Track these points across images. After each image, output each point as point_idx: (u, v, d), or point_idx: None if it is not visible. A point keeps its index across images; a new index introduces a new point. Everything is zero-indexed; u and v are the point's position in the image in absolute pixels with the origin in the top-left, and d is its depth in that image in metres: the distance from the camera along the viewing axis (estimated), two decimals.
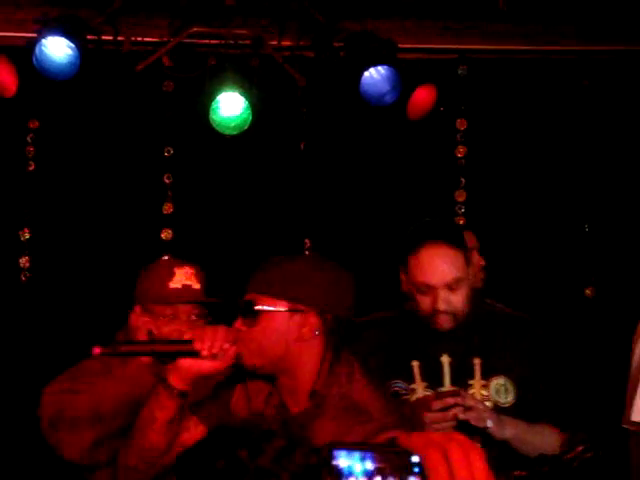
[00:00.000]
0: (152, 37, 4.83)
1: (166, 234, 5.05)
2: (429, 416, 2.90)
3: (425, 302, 3.03)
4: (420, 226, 3.15)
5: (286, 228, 5.09)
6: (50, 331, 4.78)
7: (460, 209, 5.12)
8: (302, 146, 5.13)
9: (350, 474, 1.10)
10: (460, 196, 5.12)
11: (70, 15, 4.53)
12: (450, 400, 2.91)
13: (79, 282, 4.89)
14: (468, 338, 3.11)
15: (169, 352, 2.57)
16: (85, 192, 4.98)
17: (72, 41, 4.45)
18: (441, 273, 2.98)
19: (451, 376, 3.08)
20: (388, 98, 4.66)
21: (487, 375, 3.07)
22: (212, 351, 2.52)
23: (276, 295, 2.58)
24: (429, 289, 3.00)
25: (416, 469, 1.11)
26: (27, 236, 4.93)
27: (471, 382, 3.08)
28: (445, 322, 3.04)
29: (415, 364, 3.11)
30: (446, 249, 2.99)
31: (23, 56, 4.53)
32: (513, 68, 5.13)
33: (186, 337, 2.57)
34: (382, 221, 5.09)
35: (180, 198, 5.08)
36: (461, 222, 5.05)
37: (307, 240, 5.11)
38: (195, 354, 2.52)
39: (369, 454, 1.11)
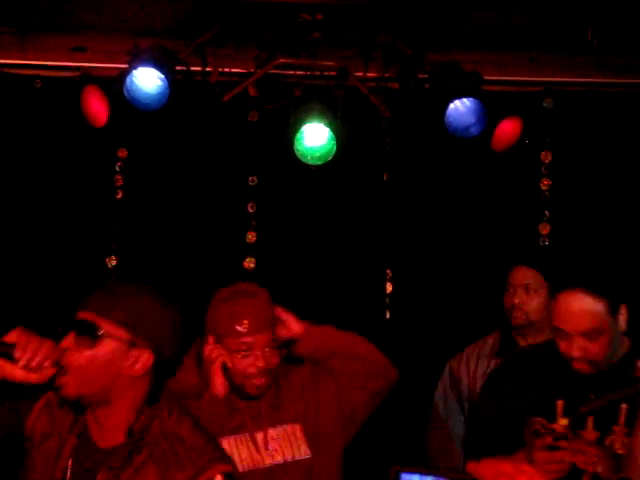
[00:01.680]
0: (239, 68, 4.90)
1: (249, 263, 5.09)
2: (536, 454, 2.85)
3: (561, 346, 2.96)
4: (566, 268, 3.05)
5: (368, 258, 5.10)
6: None
7: (544, 242, 5.07)
8: (385, 177, 5.15)
9: None
10: (544, 229, 5.08)
11: (160, 47, 4.61)
12: (553, 441, 2.85)
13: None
14: (617, 382, 3.00)
15: None
16: (171, 220, 5.05)
17: (162, 72, 4.54)
18: (576, 321, 2.87)
19: (594, 420, 2.99)
20: (473, 130, 4.65)
21: (631, 422, 2.97)
22: (31, 364, 2.39)
23: (119, 322, 2.44)
24: (565, 334, 2.93)
25: None
26: (114, 263, 5.02)
27: (615, 428, 2.98)
28: (582, 368, 2.96)
29: (559, 403, 3.02)
30: (585, 297, 2.92)
31: (113, 87, 4.62)
32: (599, 101, 5.09)
33: (10, 339, 2.41)
34: (465, 253, 5.07)
35: (263, 227, 5.12)
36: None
37: (389, 270, 5.11)
38: (12, 359, 2.39)
39: (432, 477, 1.11)
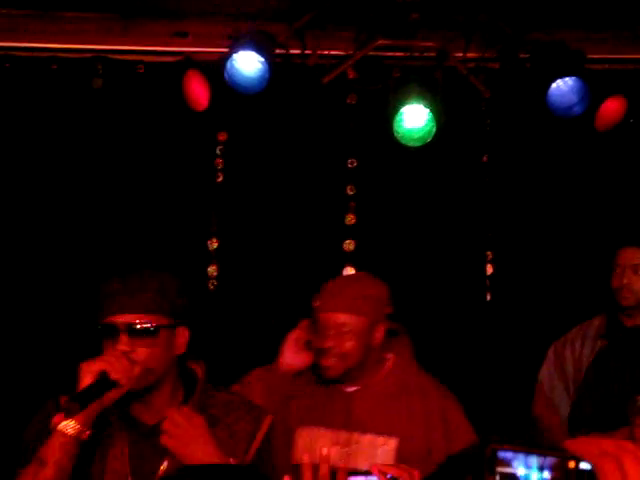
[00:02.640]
0: (338, 50, 4.88)
1: (348, 245, 5.10)
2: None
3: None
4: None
5: (468, 240, 5.07)
6: (236, 337, 4.90)
7: None
8: (485, 158, 5.10)
9: None
10: None
11: (260, 30, 4.64)
12: None
13: (264, 291, 4.99)
14: None
15: (95, 393, 2.48)
16: (271, 203, 5.09)
17: (262, 55, 4.56)
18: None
19: None
20: (576, 110, 4.57)
21: None
22: (129, 379, 2.54)
23: (158, 312, 2.64)
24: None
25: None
26: (215, 245, 5.07)
27: None
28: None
29: None
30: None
31: (214, 71, 4.67)
32: None
33: (86, 379, 2.48)
34: (568, 234, 4.99)
35: (363, 209, 5.12)
36: None
37: (489, 252, 5.07)
38: (110, 387, 2.50)
39: (536, 457, 1.08)
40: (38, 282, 4.86)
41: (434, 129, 4.70)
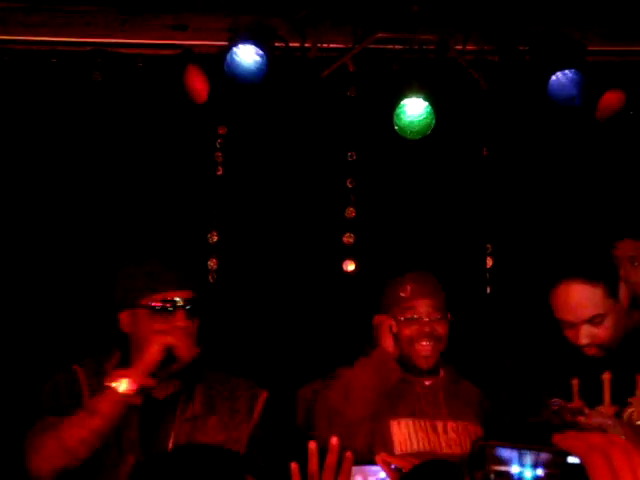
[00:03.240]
0: (337, 43, 4.89)
1: (348, 238, 5.10)
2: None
3: (569, 336, 2.97)
4: (558, 261, 3.09)
5: (468, 233, 5.07)
6: (236, 330, 4.90)
7: None
8: (485, 151, 5.10)
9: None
10: None
11: (259, 23, 4.63)
12: (572, 418, 2.84)
13: (264, 284, 5.00)
14: (632, 354, 3.01)
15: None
16: (270, 196, 5.08)
17: (261, 48, 4.56)
18: (577, 311, 2.97)
19: (611, 394, 2.99)
20: (575, 102, 4.57)
21: None
22: (191, 354, 2.80)
23: (192, 288, 2.88)
24: (570, 324, 2.94)
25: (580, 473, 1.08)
26: (215, 239, 5.07)
27: (631, 400, 2.98)
28: (594, 353, 2.98)
29: (575, 382, 3.03)
30: (582, 286, 2.87)
31: (214, 64, 4.67)
32: None
33: (155, 353, 2.72)
34: (567, 226, 4.99)
35: (362, 202, 5.12)
36: None
37: (489, 245, 5.07)
38: (172, 361, 2.77)
39: (529, 454, 1.08)
40: (38, 274, 4.86)
41: (434, 122, 4.70)
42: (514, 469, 1.11)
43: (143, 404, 2.79)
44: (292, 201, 5.10)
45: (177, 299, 2.77)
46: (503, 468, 1.11)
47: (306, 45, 4.83)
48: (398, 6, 4.69)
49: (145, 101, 5.01)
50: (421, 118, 4.73)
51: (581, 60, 4.55)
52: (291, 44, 4.82)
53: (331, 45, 4.90)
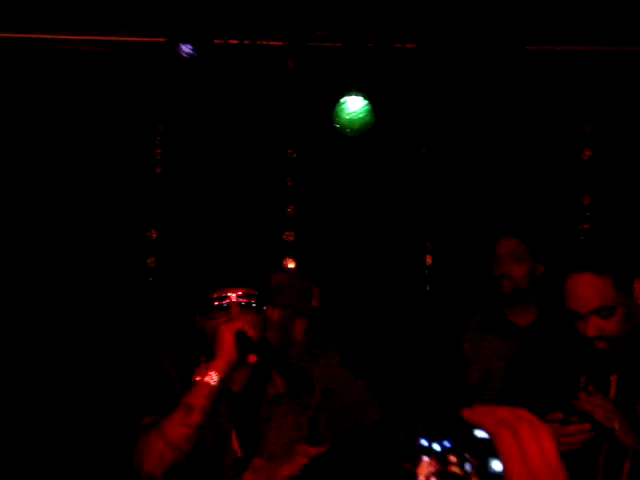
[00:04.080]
0: (277, 41, 4.88)
1: (288, 236, 5.10)
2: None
3: (579, 327, 3.01)
4: (571, 253, 3.12)
5: (408, 231, 5.08)
6: (172, 328, 4.87)
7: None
8: (424, 149, 5.12)
9: (429, 451, 1.08)
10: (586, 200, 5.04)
11: (198, 20, 4.61)
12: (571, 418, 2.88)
13: (203, 282, 4.96)
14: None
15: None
16: (211, 194, 5.06)
17: (200, 44, 4.56)
18: (585, 302, 2.95)
19: (616, 396, 3.02)
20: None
21: None
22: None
23: None
24: (579, 315, 2.98)
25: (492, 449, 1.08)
26: (154, 236, 5.04)
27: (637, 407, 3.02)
28: (604, 347, 3.01)
29: (582, 379, 3.05)
30: (590, 277, 2.95)
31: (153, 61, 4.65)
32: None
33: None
34: (505, 224, 5.03)
35: (302, 200, 5.12)
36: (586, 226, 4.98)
37: (428, 243, 5.09)
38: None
39: (437, 427, 1.09)
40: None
41: (373, 120, 4.71)
42: (422, 441, 1.11)
43: (227, 393, 2.99)
44: (232, 199, 5.08)
45: (230, 294, 2.96)
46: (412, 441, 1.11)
47: (246, 42, 4.80)
48: (338, 4, 4.68)
49: (84, 99, 4.96)
50: (361, 116, 4.74)
51: (518, 56, 4.59)
52: (231, 41, 4.80)
53: (271, 42, 4.88)
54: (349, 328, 4.66)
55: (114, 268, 4.96)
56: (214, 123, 5.04)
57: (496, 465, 1.08)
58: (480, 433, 1.10)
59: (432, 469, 1.09)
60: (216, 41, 4.72)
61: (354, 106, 4.73)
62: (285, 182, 5.11)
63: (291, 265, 5.01)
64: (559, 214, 5.00)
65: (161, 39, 4.60)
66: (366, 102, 4.69)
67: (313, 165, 5.11)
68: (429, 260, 5.09)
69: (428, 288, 5.06)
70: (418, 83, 4.91)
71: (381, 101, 4.75)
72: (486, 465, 1.09)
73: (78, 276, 4.91)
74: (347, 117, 4.75)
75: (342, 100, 4.71)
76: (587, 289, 2.94)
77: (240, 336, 2.85)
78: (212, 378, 2.85)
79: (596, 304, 2.93)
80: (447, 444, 1.10)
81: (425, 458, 1.09)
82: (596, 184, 5.04)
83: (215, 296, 3.02)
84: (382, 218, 5.07)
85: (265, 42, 4.87)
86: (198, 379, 2.86)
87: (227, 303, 2.99)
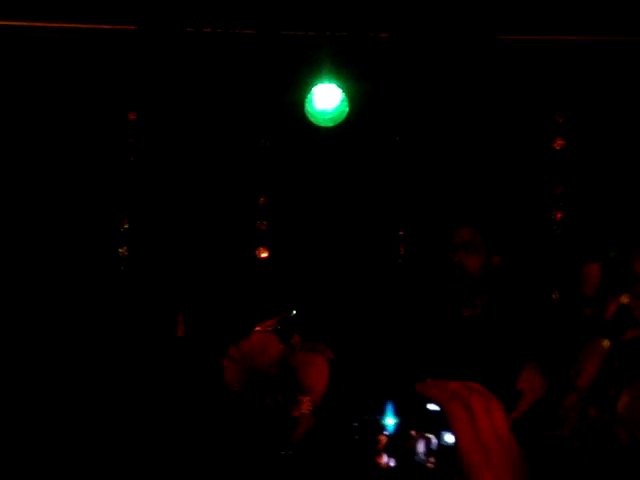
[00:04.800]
0: (249, 29, 4.87)
1: (261, 225, 5.09)
2: None
3: (588, 314, 3.24)
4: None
5: (380, 220, 5.09)
6: (145, 318, 4.86)
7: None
8: (397, 138, 5.12)
9: (383, 427, 1.10)
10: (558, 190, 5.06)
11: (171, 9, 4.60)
12: None
13: (176, 272, 4.96)
14: None
15: None
16: (183, 184, 5.04)
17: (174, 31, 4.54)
18: (595, 287, 3.11)
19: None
20: None
21: None
22: None
23: None
24: (589, 301, 3.20)
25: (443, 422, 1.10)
26: (126, 227, 5.02)
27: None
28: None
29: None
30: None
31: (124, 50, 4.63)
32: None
33: None
34: (481, 215, 5.04)
35: (275, 190, 5.11)
36: (558, 216, 5.01)
37: (401, 232, 5.10)
38: None
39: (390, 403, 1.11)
40: None
41: (347, 109, 4.71)
42: (378, 417, 1.13)
43: None
44: (205, 188, 5.06)
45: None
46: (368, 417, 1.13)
47: (218, 30, 4.79)
48: None
49: (54, 87, 4.93)
50: (334, 106, 4.74)
51: (490, 44, 4.60)
52: (204, 29, 4.79)
53: (243, 31, 4.87)
54: (323, 317, 4.67)
55: (85, 257, 4.94)
56: (187, 112, 5.02)
57: (448, 438, 1.09)
58: (433, 406, 1.11)
59: (386, 444, 1.10)
60: (188, 29, 4.70)
61: (327, 96, 4.72)
62: (258, 171, 5.10)
63: (264, 254, 5.00)
64: (531, 204, 5.01)
65: (133, 27, 4.57)
66: (339, 92, 4.68)
67: (286, 154, 5.11)
68: (402, 250, 5.10)
69: (401, 277, 5.07)
70: (391, 72, 4.90)
71: (354, 90, 4.74)
72: (439, 438, 1.10)
73: (49, 266, 4.89)
74: (319, 107, 4.74)
75: (315, 89, 4.70)
76: (599, 277, 3.04)
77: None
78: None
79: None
80: (399, 419, 1.11)
81: (380, 434, 1.10)
82: (569, 174, 5.06)
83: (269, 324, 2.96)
84: (355, 207, 5.07)
85: (238, 31, 4.85)
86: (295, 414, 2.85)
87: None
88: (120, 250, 4.99)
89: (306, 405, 2.76)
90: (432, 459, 1.08)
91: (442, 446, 1.08)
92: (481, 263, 4.00)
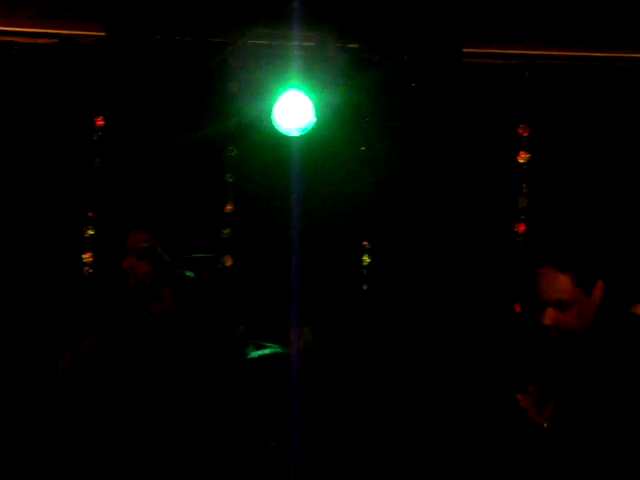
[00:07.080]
0: (220, 37, 4.88)
1: (227, 233, 5.10)
2: None
3: (540, 316, 3.24)
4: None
5: (345, 230, 5.11)
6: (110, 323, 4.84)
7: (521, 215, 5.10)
8: (364, 148, 5.15)
9: None
10: (522, 202, 5.10)
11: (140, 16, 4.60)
12: None
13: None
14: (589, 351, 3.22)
15: None
16: (149, 189, 5.04)
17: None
18: (546, 294, 3.21)
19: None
20: None
21: None
22: None
23: None
24: (542, 305, 3.22)
25: None
26: (90, 232, 5.01)
27: None
28: (554, 335, 3.24)
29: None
30: (552, 272, 3.21)
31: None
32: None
33: None
34: (443, 225, 5.08)
35: (241, 198, 5.12)
36: (521, 228, 5.05)
37: (366, 242, 5.12)
38: None
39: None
40: None
41: (314, 118, 4.72)
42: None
43: None
44: (171, 196, 5.06)
45: None
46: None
47: (188, 39, 4.80)
48: (279, 2, 4.69)
49: (21, 91, 4.92)
50: (301, 114, 4.74)
51: (457, 62, 4.64)
52: (176, 37, 4.79)
53: (214, 39, 4.89)
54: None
55: (49, 261, 4.92)
56: (154, 119, 5.02)
57: None
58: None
59: None
60: (157, 37, 4.70)
61: (295, 104, 4.73)
62: (225, 179, 5.11)
63: (229, 263, 5.01)
64: (495, 216, 5.07)
65: (102, 33, 4.56)
66: (307, 99, 4.69)
67: (253, 162, 5.12)
68: (367, 260, 5.12)
69: (365, 287, 5.10)
70: (358, 82, 4.92)
71: (322, 100, 4.76)
72: None
73: (12, 269, 4.88)
74: (287, 115, 4.74)
75: (282, 98, 4.71)
76: (548, 282, 3.20)
77: None
78: None
79: (554, 297, 3.18)
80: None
81: None
82: (532, 186, 5.12)
83: None
84: (320, 216, 5.09)
85: (207, 39, 4.86)
86: None
87: None
88: (84, 256, 4.98)
89: None
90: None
91: None
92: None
